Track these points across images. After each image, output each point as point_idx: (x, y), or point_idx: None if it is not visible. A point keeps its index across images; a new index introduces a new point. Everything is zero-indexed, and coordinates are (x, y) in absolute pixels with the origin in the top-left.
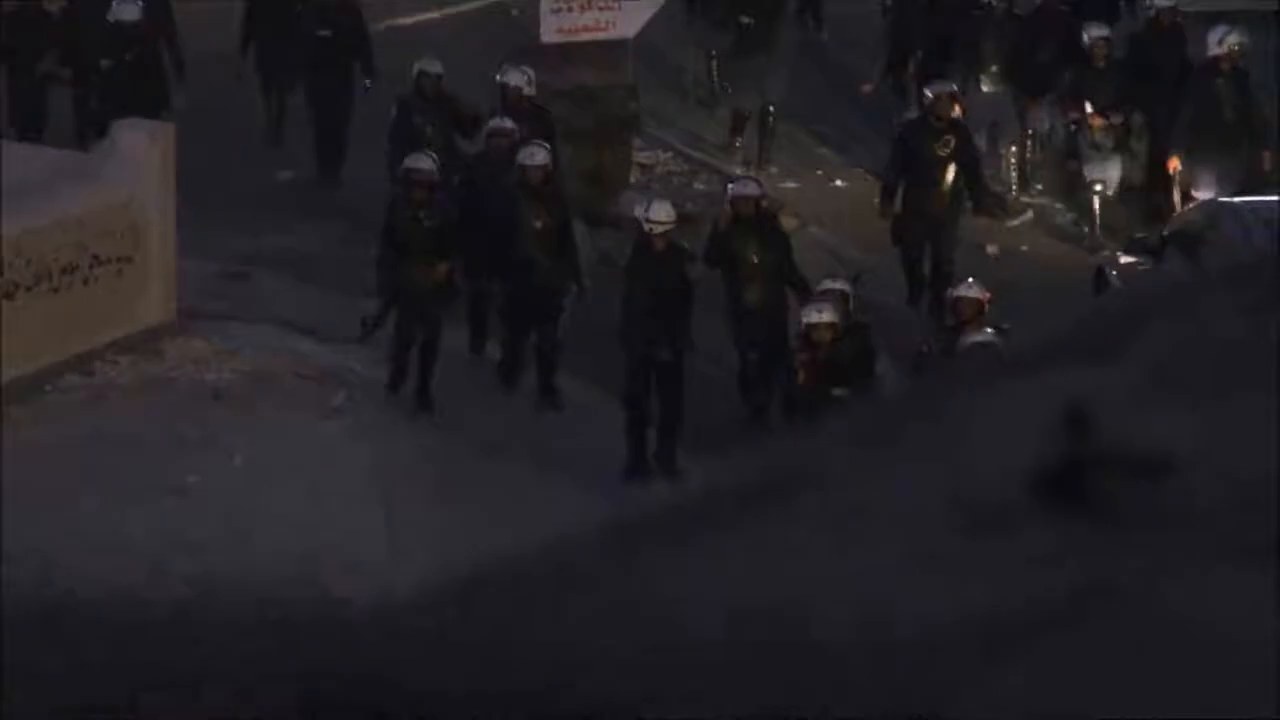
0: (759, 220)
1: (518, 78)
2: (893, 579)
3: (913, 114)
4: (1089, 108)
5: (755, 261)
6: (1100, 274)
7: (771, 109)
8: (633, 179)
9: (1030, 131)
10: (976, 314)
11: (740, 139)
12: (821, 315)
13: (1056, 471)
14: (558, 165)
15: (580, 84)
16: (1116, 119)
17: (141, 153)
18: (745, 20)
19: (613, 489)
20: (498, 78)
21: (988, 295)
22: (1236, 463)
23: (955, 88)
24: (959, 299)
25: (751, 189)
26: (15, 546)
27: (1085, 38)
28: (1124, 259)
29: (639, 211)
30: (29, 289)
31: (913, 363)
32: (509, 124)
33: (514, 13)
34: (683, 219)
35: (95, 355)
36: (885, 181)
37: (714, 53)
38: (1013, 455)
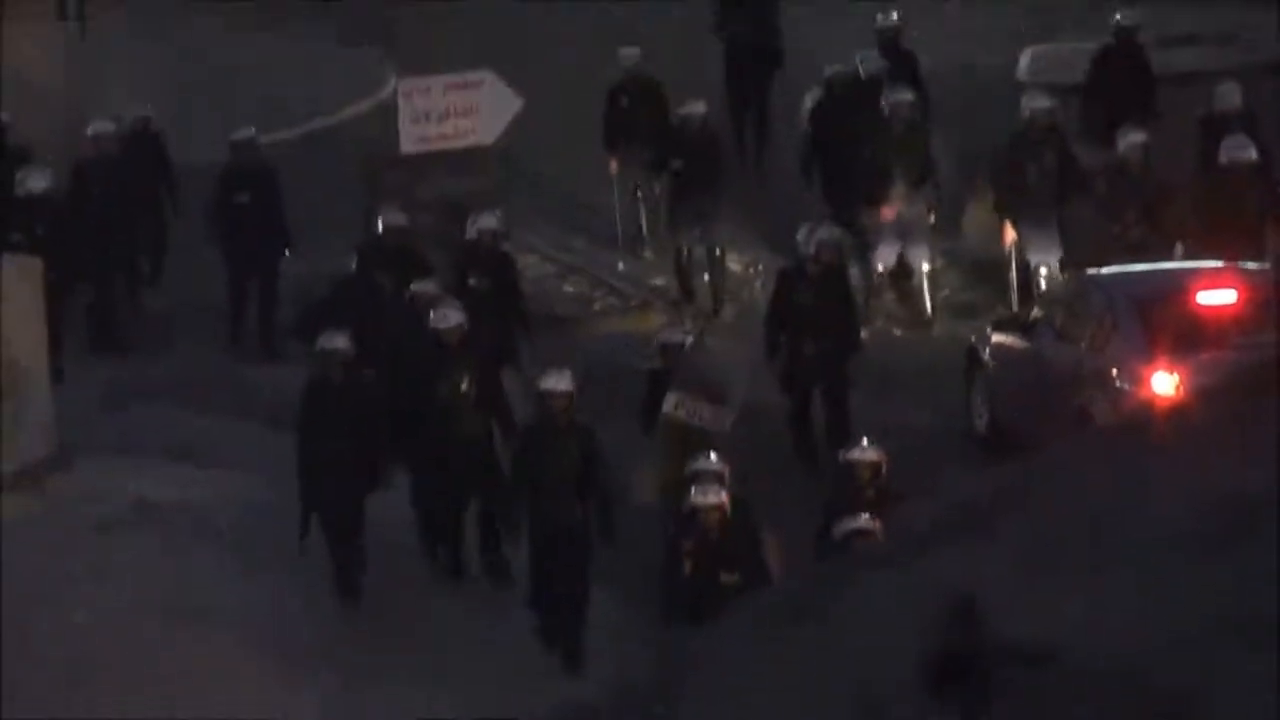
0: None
1: (489, 222)
2: None
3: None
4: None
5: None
6: (972, 352)
7: (718, 250)
8: None
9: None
10: (873, 478)
11: (687, 286)
12: (707, 498)
13: (946, 660)
14: (515, 317)
15: (444, 193)
16: None
17: (11, 288)
18: (676, 164)
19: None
20: (469, 223)
21: (884, 456)
22: (1115, 642)
23: (840, 234)
24: (853, 462)
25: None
26: None
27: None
28: (995, 336)
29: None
30: None
31: (815, 548)
32: (430, 286)
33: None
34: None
35: None
36: (766, 335)
37: (641, 194)
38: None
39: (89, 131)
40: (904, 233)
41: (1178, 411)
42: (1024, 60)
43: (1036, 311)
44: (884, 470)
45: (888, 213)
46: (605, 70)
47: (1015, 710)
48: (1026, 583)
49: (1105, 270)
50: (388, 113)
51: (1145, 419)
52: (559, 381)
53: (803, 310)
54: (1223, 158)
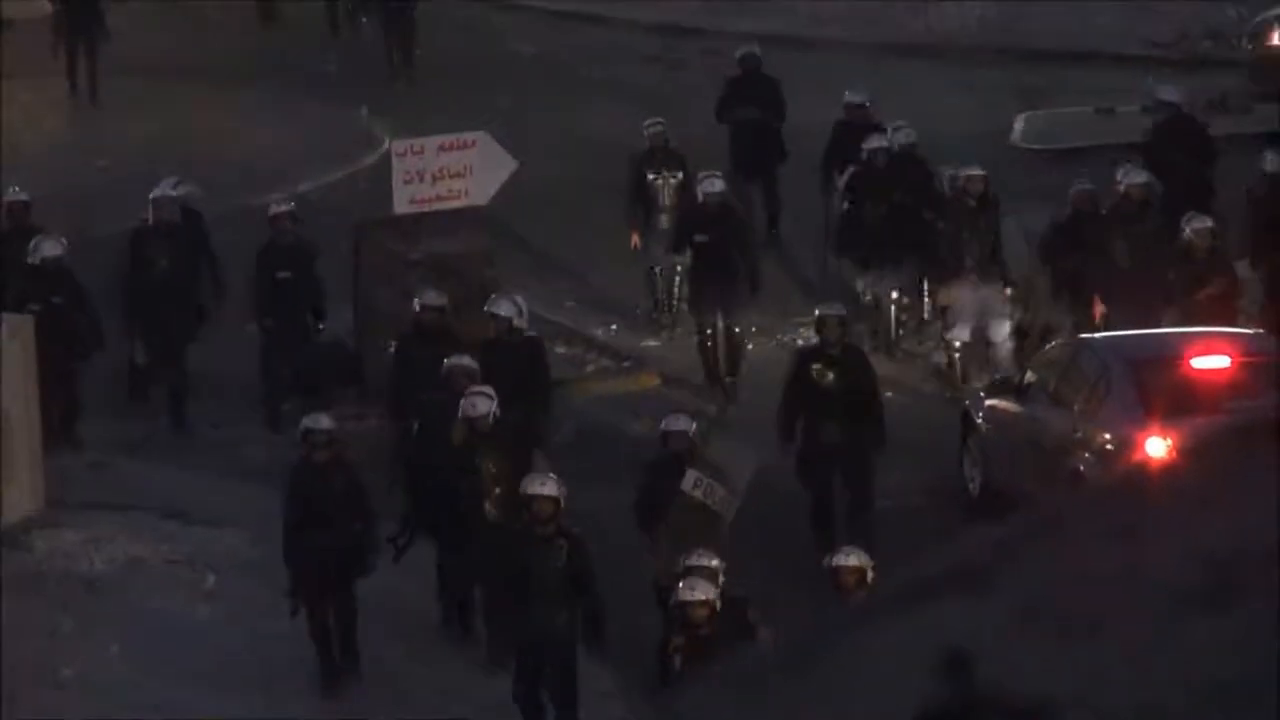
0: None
1: (508, 308)
2: None
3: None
4: None
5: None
6: (966, 415)
7: (738, 328)
8: None
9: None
10: (859, 584)
11: (713, 367)
12: (694, 594)
13: (939, 714)
14: (542, 399)
15: (436, 252)
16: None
17: (3, 345)
18: (700, 239)
19: None
20: (486, 308)
21: (870, 563)
22: (1110, 700)
23: (842, 310)
24: (838, 568)
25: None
26: None
27: None
28: (988, 400)
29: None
30: None
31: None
32: (467, 360)
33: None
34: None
35: None
36: (779, 421)
37: (661, 271)
38: (900, 698)
39: (151, 196)
40: (981, 308)
41: (1171, 471)
42: (1018, 125)
43: (1030, 375)
44: (868, 578)
45: (965, 288)
46: (585, 128)
47: None
48: (1021, 639)
49: (1099, 335)
50: (377, 174)
51: (1138, 478)
52: (544, 485)
53: (822, 392)
54: None
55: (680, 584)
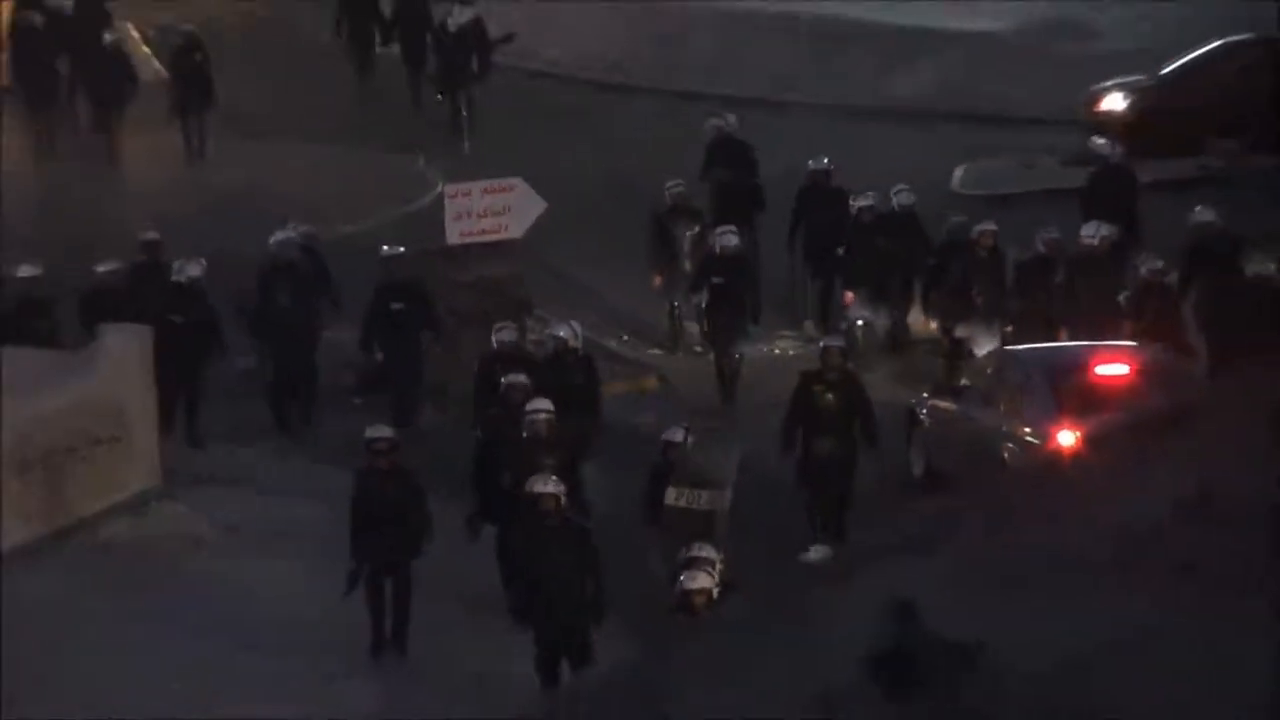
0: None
1: (566, 331)
2: None
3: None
4: None
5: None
6: (911, 413)
7: (739, 355)
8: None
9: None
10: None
11: (727, 387)
12: (695, 583)
13: (891, 657)
14: (593, 409)
15: (481, 275)
16: None
17: (126, 350)
18: (716, 281)
19: None
20: (546, 330)
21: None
22: (1030, 643)
23: (842, 342)
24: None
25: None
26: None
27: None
28: (930, 400)
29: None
30: (37, 466)
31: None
32: (523, 378)
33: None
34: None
35: (96, 519)
36: (783, 432)
37: (678, 305)
38: (857, 643)
39: (271, 240)
40: (988, 338)
41: (1078, 459)
42: (957, 175)
43: (965, 380)
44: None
45: (972, 329)
46: (603, 173)
47: (946, 701)
48: (957, 596)
49: (1021, 347)
50: (423, 217)
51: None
52: (545, 485)
53: (821, 411)
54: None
55: (682, 574)
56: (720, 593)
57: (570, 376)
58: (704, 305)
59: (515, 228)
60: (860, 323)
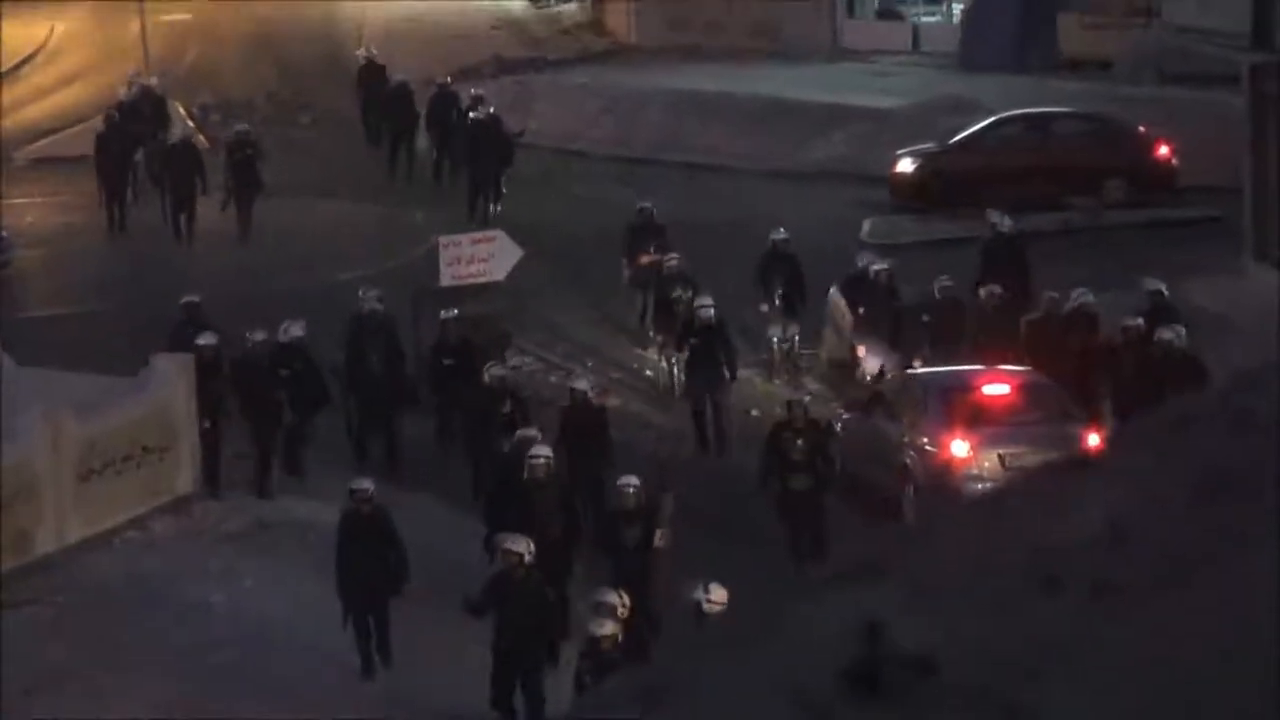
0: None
1: (583, 384)
2: None
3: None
4: None
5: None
6: (828, 426)
7: (724, 407)
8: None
9: None
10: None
11: (704, 434)
12: (604, 629)
13: (860, 669)
14: (606, 453)
15: (471, 313)
16: None
17: (172, 375)
18: (694, 341)
19: None
20: (568, 383)
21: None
22: (977, 654)
23: (806, 397)
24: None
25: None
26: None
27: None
28: (844, 414)
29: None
30: (99, 472)
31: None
32: (533, 432)
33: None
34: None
35: (147, 517)
36: (760, 473)
37: (667, 357)
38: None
39: (361, 304)
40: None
41: (1014, 487)
42: (866, 226)
43: (873, 399)
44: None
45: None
46: (574, 228)
47: (908, 708)
48: (910, 614)
49: (921, 370)
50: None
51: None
52: (515, 544)
53: (791, 454)
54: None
55: (589, 623)
56: (624, 634)
57: (586, 423)
58: (685, 363)
59: (497, 271)
60: (775, 340)
